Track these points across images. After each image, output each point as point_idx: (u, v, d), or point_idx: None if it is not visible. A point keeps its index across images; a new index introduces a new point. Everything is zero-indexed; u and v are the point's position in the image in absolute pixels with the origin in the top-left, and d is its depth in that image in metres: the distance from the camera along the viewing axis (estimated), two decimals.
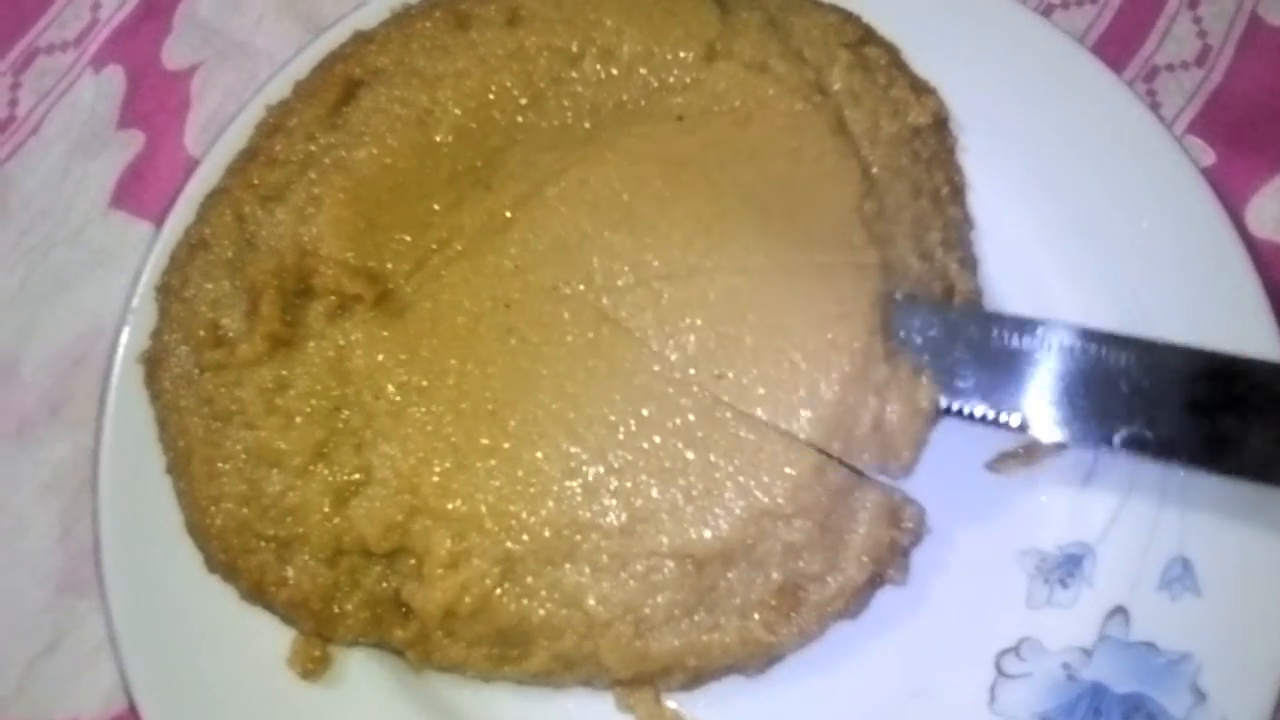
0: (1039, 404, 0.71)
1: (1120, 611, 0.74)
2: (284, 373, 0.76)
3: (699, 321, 0.75)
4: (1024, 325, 0.73)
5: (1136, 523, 0.76)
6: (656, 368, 0.74)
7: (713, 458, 0.73)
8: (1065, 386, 0.71)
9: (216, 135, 0.87)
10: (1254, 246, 0.83)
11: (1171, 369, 0.69)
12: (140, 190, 0.95)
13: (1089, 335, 0.71)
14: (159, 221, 0.86)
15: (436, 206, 0.80)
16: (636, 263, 0.78)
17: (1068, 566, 0.77)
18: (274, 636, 0.75)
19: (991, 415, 0.72)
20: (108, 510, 0.77)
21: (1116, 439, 0.69)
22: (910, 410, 0.73)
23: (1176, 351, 0.70)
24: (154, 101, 0.98)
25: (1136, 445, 0.69)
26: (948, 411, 0.73)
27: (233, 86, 0.97)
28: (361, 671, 0.75)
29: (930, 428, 0.73)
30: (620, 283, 0.77)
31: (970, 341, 0.74)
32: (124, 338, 0.81)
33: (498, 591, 0.72)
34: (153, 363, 0.79)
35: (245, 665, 0.75)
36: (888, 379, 0.73)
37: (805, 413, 0.72)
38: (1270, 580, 0.72)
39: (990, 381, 0.72)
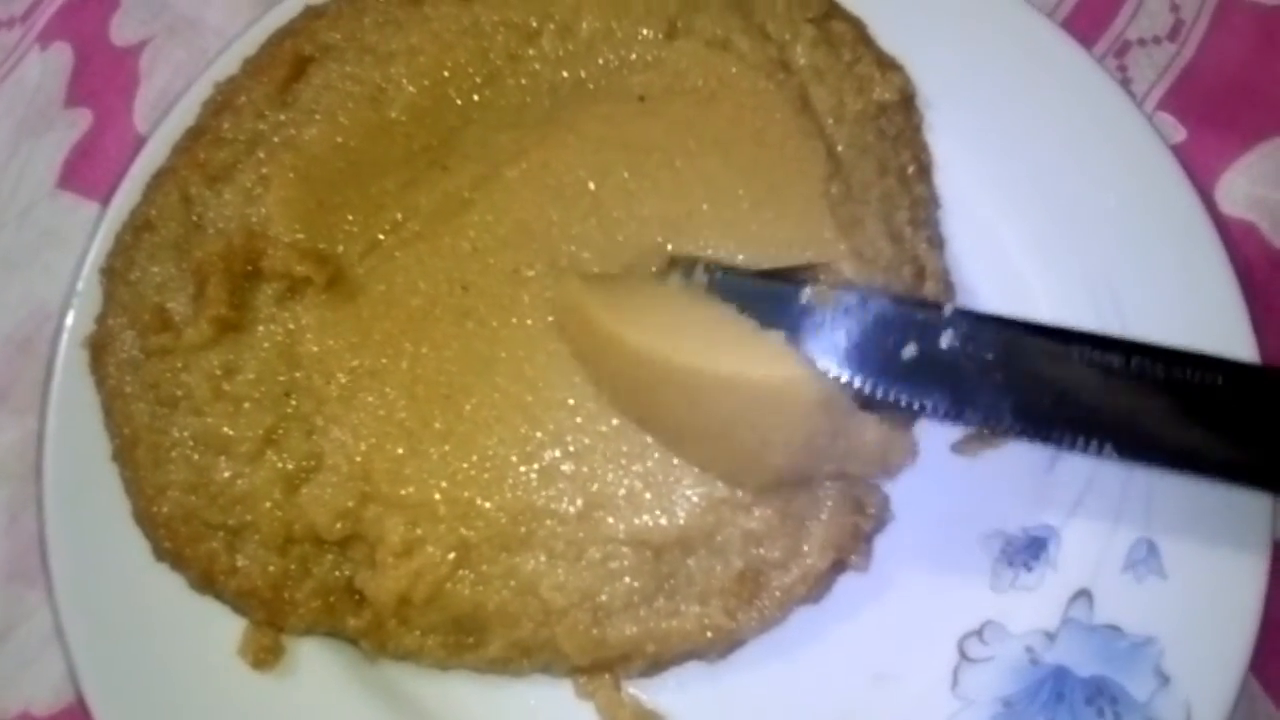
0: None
1: (1084, 594, 0.73)
2: (232, 358, 0.74)
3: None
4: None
5: (1102, 504, 0.75)
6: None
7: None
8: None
9: (166, 113, 0.85)
10: (1224, 225, 0.82)
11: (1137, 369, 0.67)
12: (88, 170, 0.93)
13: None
14: (107, 202, 0.83)
15: (390, 187, 0.79)
16: (604, 253, 0.76)
17: (1032, 549, 0.76)
18: (225, 626, 0.73)
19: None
20: (53, 499, 0.76)
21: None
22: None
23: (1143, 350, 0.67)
24: (102, 79, 0.96)
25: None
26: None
27: (182, 63, 0.95)
28: (315, 661, 0.74)
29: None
30: (587, 270, 0.75)
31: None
32: (69, 322, 0.79)
33: (452, 579, 0.70)
34: (97, 348, 0.77)
35: (196, 656, 0.73)
36: None
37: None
38: (1236, 563, 0.71)
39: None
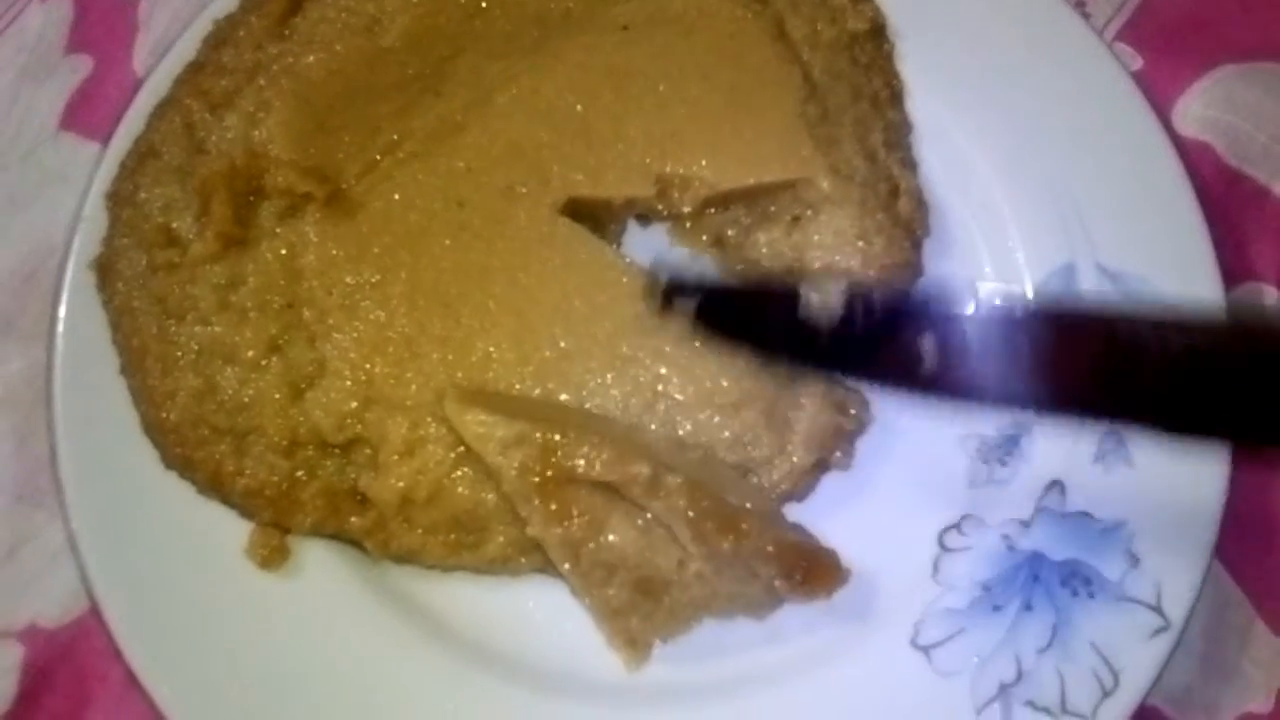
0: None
1: (1057, 485, 0.77)
2: (236, 270, 0.77)
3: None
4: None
5: None
6: (611, 260, 0.77)
7: (661, 346, 0.75)
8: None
9: (166, 51, 0.87)
10: (1181, 145, 0.86)
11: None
12: (89, 112, 0.95)
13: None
14: (108, 142, 0.86)
15: (386, 111, 0.82)
16: (593, 172, 0.79)
17: (1007, 446, 0.79)
18: (232, 530, 0.76)
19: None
20: (63, 414, 0.78)
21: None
22: None
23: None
24: (102, 27, 0.98)
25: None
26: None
27: (180, 9, 0.97)
28: (320, 562, 0.76)
29: None
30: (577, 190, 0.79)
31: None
32: (75, 246, 0.81)
33: (452, 477, 0.73)
34: (104, 268, 0.79)
35: (204, 558, 0.75)
36: None
37: None
38: (1200, 452, 0.75)
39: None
